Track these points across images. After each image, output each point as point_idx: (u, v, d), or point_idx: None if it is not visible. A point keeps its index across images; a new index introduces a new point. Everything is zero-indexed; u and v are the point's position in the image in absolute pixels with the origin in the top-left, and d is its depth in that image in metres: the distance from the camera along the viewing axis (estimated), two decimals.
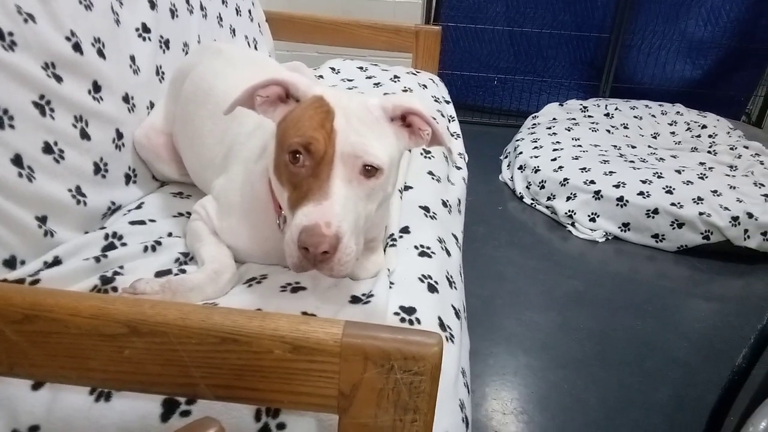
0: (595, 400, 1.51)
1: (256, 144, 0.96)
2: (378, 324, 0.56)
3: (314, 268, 0.73)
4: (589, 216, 2.30)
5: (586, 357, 1.66)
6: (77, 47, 0.99)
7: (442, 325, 0.86)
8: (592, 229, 2.28)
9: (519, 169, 2.63)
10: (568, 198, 2.35)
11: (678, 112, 3.11)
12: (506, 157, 2.89)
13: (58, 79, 0.94)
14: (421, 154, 1.40)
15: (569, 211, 2.33)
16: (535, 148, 2.67)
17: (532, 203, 2.49)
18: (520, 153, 2.68)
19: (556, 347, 1.70)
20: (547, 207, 2.43)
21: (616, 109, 3.08)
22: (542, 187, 2.45)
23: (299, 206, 0.73)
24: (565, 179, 2.38)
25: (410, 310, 0.85)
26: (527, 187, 2.54)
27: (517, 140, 2.86)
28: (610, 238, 2.27)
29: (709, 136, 2.92)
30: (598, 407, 1.49)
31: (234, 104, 0.81)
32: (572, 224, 2.32)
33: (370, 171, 0.76)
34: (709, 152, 2.74)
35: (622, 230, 2.26)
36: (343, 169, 0.74)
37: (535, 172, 2.51)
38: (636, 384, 1.57)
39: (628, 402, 1.51)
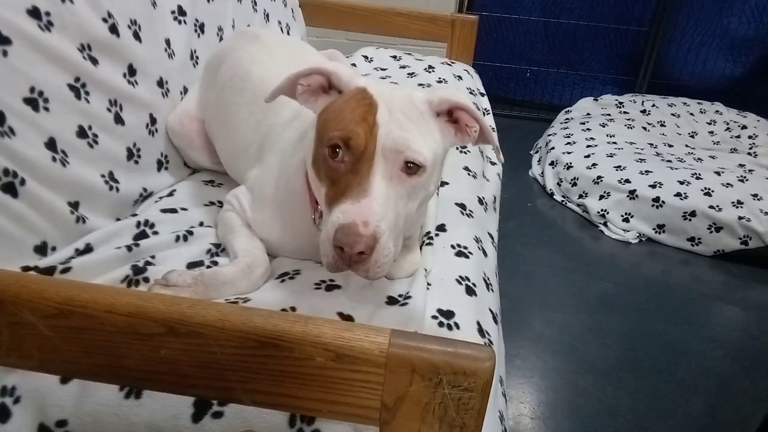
0: (625, 407, 1.46)
1: (292, 135, 0.92)
2: (426, 335, 0.53)
3: (349, 268, 0.70)
4: (622, 216, 2.23)
5: (617, 362, 1.61)
6: (114, 29, 0.96)
7: (480, 331, 0.82)
8: (625, 230, 2.22)
9: (550, 164, 2.56)
10: (601, 196, 2.28)
11: (717, 111, 3.01)
12: (537, 152, 2.82)
13: (94, 61, 0.91)
14: (457, 148, 1.36)
15: (602, 210, 2.26)
16: (568, 143, 2.60)
17: (562, 200, 2.43)
18: (552, 148, 2.62)
19: (585, 351, 1.65)
20: (579, 205, 2.36)
21: (653, 105, 2.99)
22: (574, 184, 2.39)
23: (337, 203, 0.70)
24: (599, 177, 2.31)
25: (448, 314, 0.81)
26: (558, 183, 2.48)
27: (549, 135, 2.79)
28: (643, 239, 2.21)
29: (749, 137, 2.82)
30: (629, 415, 1.44)
31: (276, 92, 0.78)
32: (604, 224, 2.26)
33: (412, 168, 0.72)
34: (749, 154, 2.65)
35: (656, 232, 2.19)
36: (384, 166, 0.71)
37: (568, 168, 2.44)
38: (668, 393, 1.52)
39: (660, 411, 1.46)
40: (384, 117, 0.72)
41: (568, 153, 2.52)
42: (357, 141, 0.71)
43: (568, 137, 2.66)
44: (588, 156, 2.46)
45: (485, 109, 1.73)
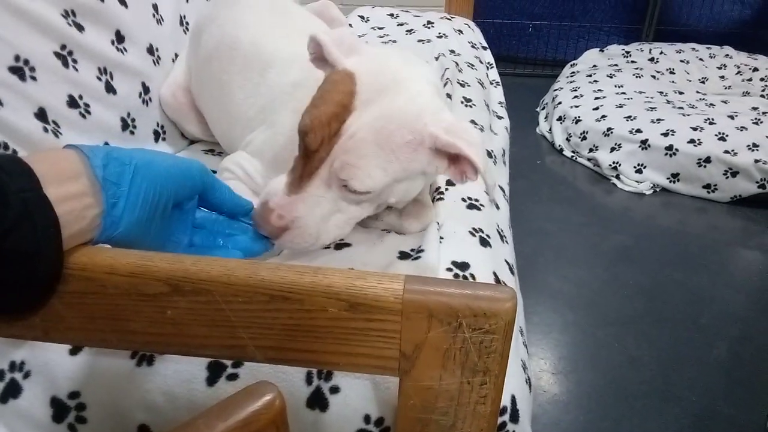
0: (648, 357, 1.44)
1: (306, 94, 0.87)
2: (442, 278, 0.50)
3: None
4: (635, 167, 2.18)
5: (637, 314, 1.59)
6: None
7: (497, 281, 0.80)
8: (638, 181, 2.17)
9: (558, 120, 2.51)
10: (612, 149, 2.23)
11: (727, 55, 2.92)
12: (543, 108, 2.76)
13: (80, 27, 0.88)
14: (462, 102, 1.32)
15: (614, 162, 2.22)
16: (575, 97, 2.54)
17: (572, 156, 2.38)
18: (559, 103, 2.55)
19: (604, 304, 1.63)
20: (590, 159, 2.31)
21: (661, 53, 2.90)
22: (584, 138, 2.33)
23: (283, 171, 0.69)
24: (609, 129, 2.26)
25: (463, 266, 0.79)
26: (567, 138, 2.43)
27: (555, 90, 2.72)
28: (657, 190, 2.16)
29: (761, 80, 2.74)
30: (652, 365, 1.42)
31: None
32: (617, 176, 2.21)
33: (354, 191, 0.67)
34: (762, 96, 2.57)
35: (670, 181, 2.14)
36: (328, 176, 0.66)
37: (576, 122, 2.39)
38: (691, 341, 1.50)
39: (684, 359, 1.44)
40: (350, 130, 0.64)
41: (576, 107, 2.46)
42: (310, 143, 0.65)
43: (575, 90, 2.59)
44: (597, 108, 2.40)
45: (488, 62, 1.68)
